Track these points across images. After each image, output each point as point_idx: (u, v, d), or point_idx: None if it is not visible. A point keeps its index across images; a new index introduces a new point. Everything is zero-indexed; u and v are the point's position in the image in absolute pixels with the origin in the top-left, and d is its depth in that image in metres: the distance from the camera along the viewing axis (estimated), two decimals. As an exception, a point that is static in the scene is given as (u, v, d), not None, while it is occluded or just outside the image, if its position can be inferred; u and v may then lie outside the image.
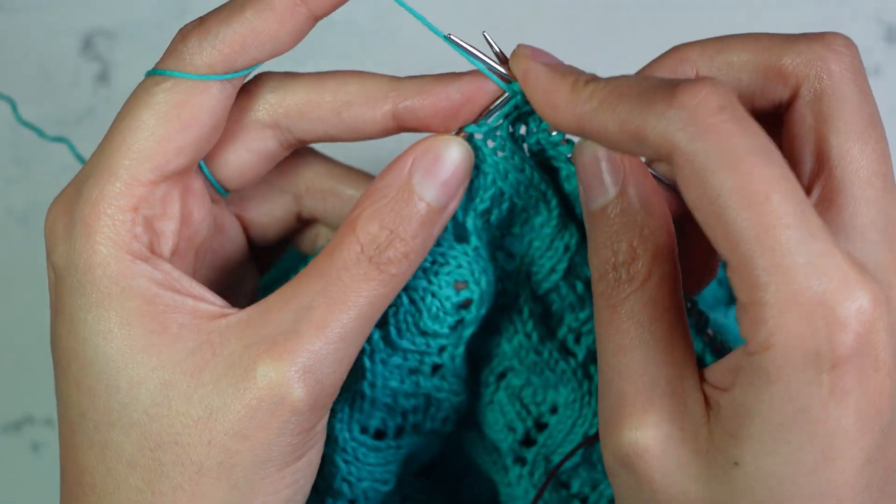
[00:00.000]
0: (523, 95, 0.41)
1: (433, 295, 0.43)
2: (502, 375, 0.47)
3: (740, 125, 0.32)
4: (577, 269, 0.46)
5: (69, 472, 0.40)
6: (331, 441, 0.46)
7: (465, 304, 0.43)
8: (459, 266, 0.43)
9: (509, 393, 0.47)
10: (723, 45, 0.39)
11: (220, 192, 0.44)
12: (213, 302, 0.39)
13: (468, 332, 0.44)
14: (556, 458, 0.48)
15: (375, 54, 0.66)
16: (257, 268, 0.49)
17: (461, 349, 0.44)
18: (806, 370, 0.32)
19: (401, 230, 0.39)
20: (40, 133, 0.65)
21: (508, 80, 0.41)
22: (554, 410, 0.48)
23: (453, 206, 0.40)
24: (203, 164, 0.42)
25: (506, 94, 0.41)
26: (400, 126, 0.42)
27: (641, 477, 0.36)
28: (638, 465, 0.36)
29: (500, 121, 0.42)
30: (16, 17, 0.70)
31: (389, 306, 0.43)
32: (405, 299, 0.43)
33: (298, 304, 0.38)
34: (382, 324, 0.44)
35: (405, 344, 0.44)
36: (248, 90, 0.42)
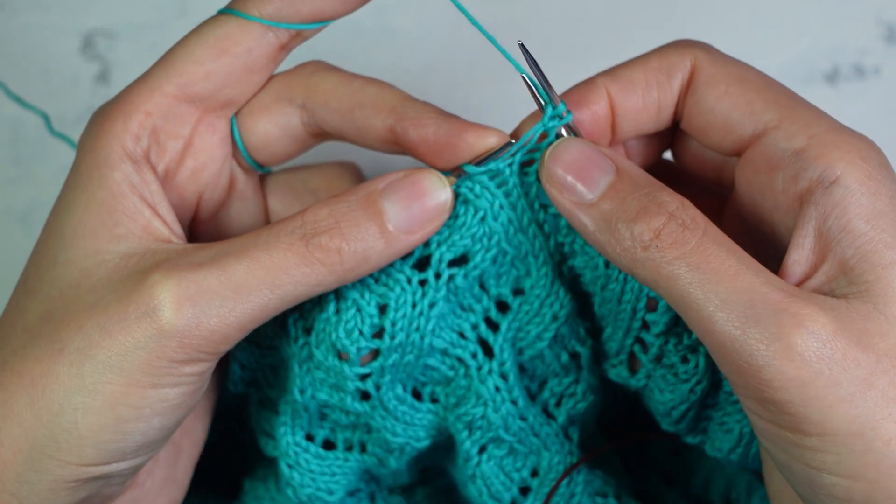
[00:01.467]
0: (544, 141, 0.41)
1: (358, 309, 0.42)
2: (483, 448, 0.46)
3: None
4: (563, 340, 0.46)
5: None
6: (279, 446, 0.46)
7: (380, 333, 0.42)
8: (391, 289, 0.42)
9: (492, 465, 0.46)
10: (618, 71, 0.42)
11: (244, 154, 0.46)
12: (168, 225, 0.41)
13: (388, 362, 0.42)
14: None
15: (376, 54, 0.66)
16: None
17: (386, 379, 0.43)
18: (879, 166, 0.37)
19: (344, 225, 0.39)
20: (71, 143, 0.65)
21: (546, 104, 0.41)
22: (535, 474, 0.47)
23: (409, 238, 0.40)
24: (233, 120, 0.45)
25: (505, 146, 0.41)
26: (396, 142, 0.43)
27: (845, 358, 0.35)
28: (838, 349, 0.35)
29: (509, 162, 0.41)
30: (16, 17, 0.70)
31: (316, 306, 0.43)
32: (332, 305, 0.42)
33: (221, 248, 0.39)
34: (308, 331, 0.43)
35: (320, 356, 0.43)
36: (291, 73, 0.45)
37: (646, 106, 0.42)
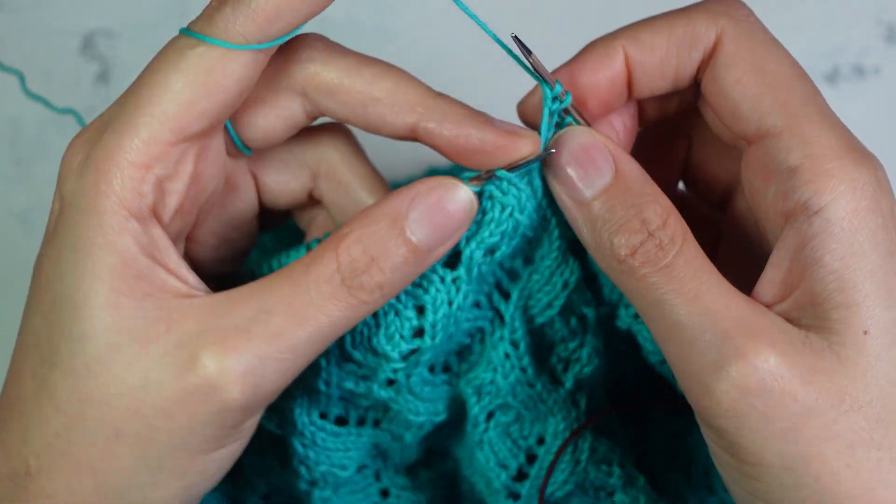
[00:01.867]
0: (557, 112, 0.41)
1: (396, 313, 0.42)
2: (491, 415, 0.46)
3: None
4: (573, 306, 0.46)
5: (6, 392, 0.40)
6: (288, 425, 0.46)
7: (420, 333, 0.42)
8: (426, 291, 0.42)
9: (499, 431, 0.47)
10: (639, 33, 0.41)
11: (242, 150, 0.44)
12: (184, 279, 0.39)
13: (425, 357, 0.43)
14: (549, 489, 0.47)
15: (375, 54, 0.66)
16: (259, 227, 0.48)
17: (418, 369, 0.44)
18: (871, 200, 0.36)
19: (381, 260, 0.38)
20: (79, 120, 0.65)
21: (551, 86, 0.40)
22: (541, 441, 0.48)
23: (442, 250, 0.40)
24: (228, 123, 0.42)
25: (538, 154, 0.40)
26: (415, 138, 0.41)
27: (783, 395, 0.35)
28: (776, 385, 0.35)
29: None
30: (16, 17, 0.70)
31: None
32: None
33: (261, 304, 0.38)
34: None
35: (357, 356, 0.43)
36: (288, 52, 0.41)
37: (664, 72, 0.41)
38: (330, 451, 0.47)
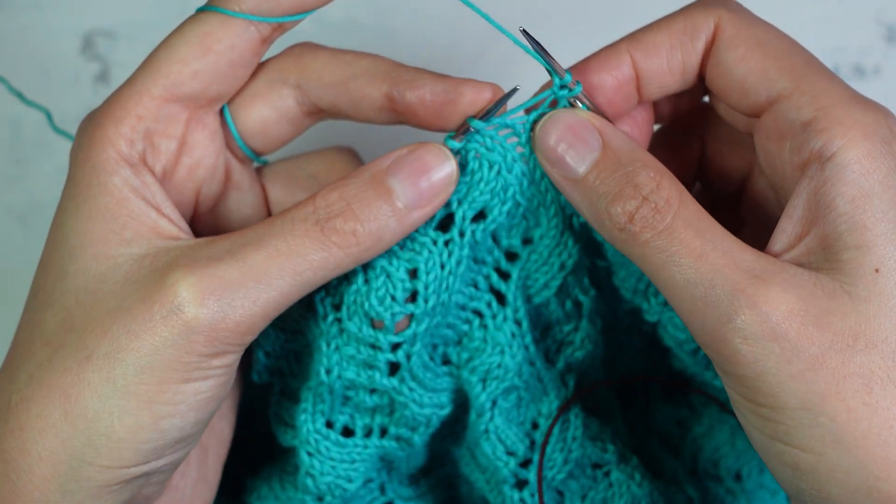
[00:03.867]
0: (561, 97, 0.42)
1: (388, 276, 0.42)
2: (495, 402, 0.47)
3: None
4: (569, 289, 0.47)
5: (11, 348, 0.42)
6: (298, 435, 0.47)
7: (413, 297, 0.43)
8: (418, 253, 0.42)
9: (504, 418, 0.47)
10: (641, 35, 0.43)
11: (246, 151, 0.46)
12: (175, 222, 0.41)
13: (422, 328, 0.43)
14: (550, 473, 0.48)
15: (375, 53, 0.66)
16: None
17: (417, 347, 0.44)
18: (881, 144, 0.37)
19: (356, 207, 0.40)
20: (69, 136, 0.65)
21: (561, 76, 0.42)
22: (535, 426, 0.48)
23: (420, 213, 0.41)
24: (227, 111, 0.46)
25: (507, 96, 0.42)
26: (392, 108, 0.43)
27: (798, 337, 0.36)
28: (791, 329, 0.36)
29: (520, 113, 0.42)
30: (16, 17, 0.70)
31: (343, 281, 0.43)
32: (360, 276, 0.43)
33: (237, 239, 0.39)
34: (337, 307, 0.44)
35: (353, 328, 0.43)
36: (282, 55, 0.46)
37: (670, 69, 0.43)
38: (335, 461, 0.47)
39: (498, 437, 0.46)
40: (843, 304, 0.37)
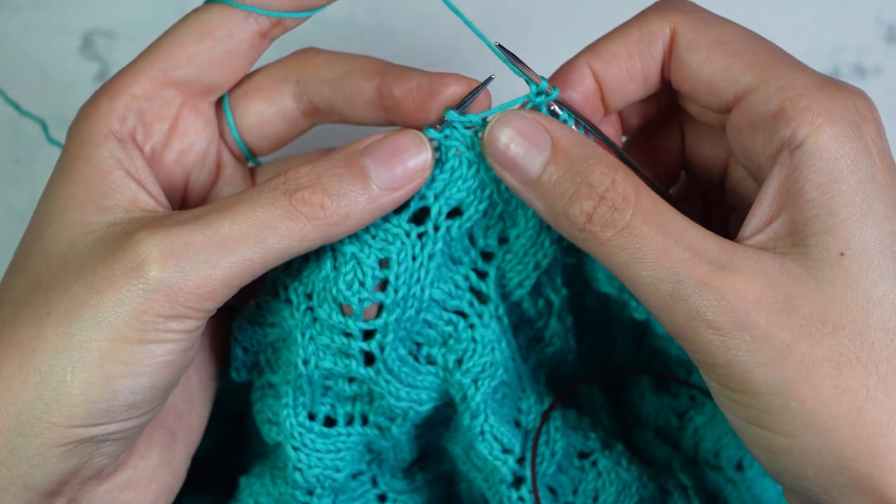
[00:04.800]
0: (543, 102, 0.42)
1: (357, 262, 0.42)
2: (485, 401, 0.46)
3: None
4: (541, 287, 0.47)
5: None
6: (282, 430, 0.47)
7: (384, 286, 0.43)
8: (390, 243, 0.42)
9: (497, 417, 0.47)
10: (598, 47, 0.43)
11: (244, 150, 0.47)
12: (154, 197, 0.42)
13: (392, 317, 0.43)
14: (542, 467, 0.48)
15: (375, 52, 0.66)
16: None
17: (390, 338, 0.44)
18: (849, 128, 0.37)
19: (327, 181, 0.40)
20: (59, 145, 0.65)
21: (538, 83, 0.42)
22: (518, 424, 0.48)
23: (391, 196, 0.40)
24: (226, 102, 0.47)
25: (482, 86, 0.42)
26: (382, 104, 0.44)
27: (767, 325, 0.36)
28: (760, 317, 0.36)
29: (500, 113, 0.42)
30: (16, 17, 0.70)
31: (316, 269, 0.43)
32: (329, 263, 0.43)
33: (205, 207, 0.40)
34: (309, 296, 0.44)
35: (323, 314, 0.43)
36: (284, 58, 0.47)
37: (631, 77, 0.43)
38: (321, 453, 0.47)
39: (493, 437, 0.46)
40: (809, 288, 0.37)
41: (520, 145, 0.40)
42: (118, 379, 0.38)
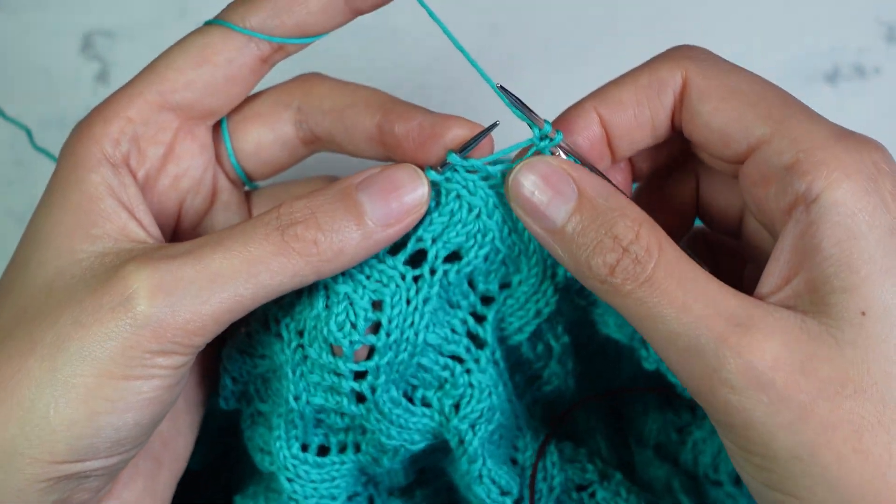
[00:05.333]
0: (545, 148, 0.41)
1: (350, 302, 0.41)
2: (482, 445, 0.46)
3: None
4: (542, 334, 0.47)
5: None
6: (276, 461, 0.46)
7: (377, 329, 0.42)
8: (385, 285, 0.42)
9: (493, 458, 0.46)
10: (606, 92, 0.42)
11: (232, 158, 0.46)
12: (145, 227, 0.41)
13: (384, 360, 0.42)
14: None
15: (377, 53, 0.66)
16: None
17: (381, 381, 0.43)
18: (866, 182, 0.36)
19: (320, 216, 0.39)
20: (53, 159, 0.65)
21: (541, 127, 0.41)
22: (514, 462, 0.48)
23: (386, 232, 0.40)
24: (224, 126, 0.46)
25: (486, 132, 0.41)
26: (382, 140, 0.43)
27: (785, 386, 0.35)
28: (778, 378, 0.35)
29: (502, 168, 0.41)
30: (16, 17, 0.70)
31: (308, 306, 0.43)
32: (321, 301, 0.42)
33: (196, 241, 0.39)
34: (301, 333, 0.43)
35: (313, 354, 0.42)
36: (286, 82, 0.46)
37: (639, 124, 0.42)
38: (315, 483, 0.46)
39: (491, 480, 0.46)
40: (829, 348, 0.36)
41: (545, 193, 0.40)
42: (102, 415, 0.38)
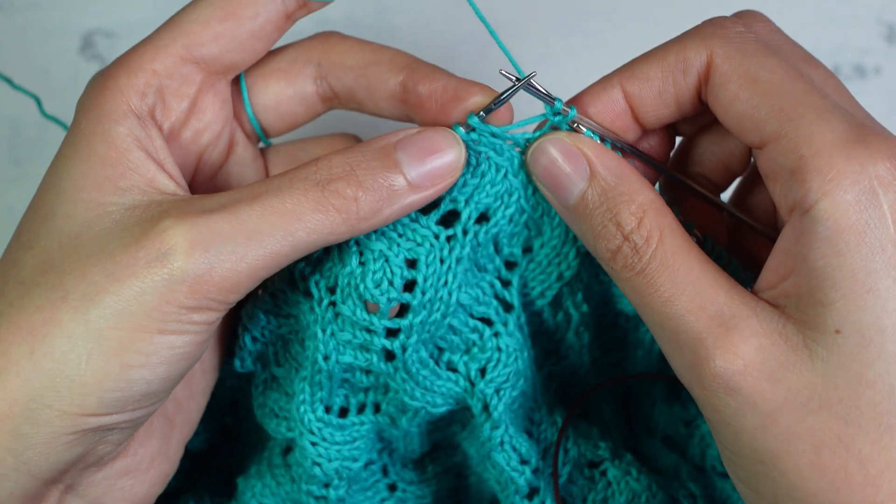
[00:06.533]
0: (560, 121, 0.42)
1: (386, 260, 0.42)
2: (505, 411, 0.46)
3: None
4: (562, 300, 0.47)
5: None
6: (296, 425, 0.46)
7: (410, 287, 0.42)
8: (419, 244, 0.42)
9: (515, 427, 0.47)
10: (633, 67, 0.42)
11: (249, 113, 0.46)
12: (174, 179, 0.41)
13: (417, 319, 0.43)
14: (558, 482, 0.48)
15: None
16: None
17: (413, 340, 0.43)
18: (863, 195, 0.36)
19: (361, 173, 0.39)
20: (64, 126, 0.65)
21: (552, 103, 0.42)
22: (530, 434, 0.48)
23: (422, 193, 0.40)
24: (243, 81, 0.46)
25: (513, 87, 0.42)
26: (404, 99, 0.43)
27: (752, 393, 0.36)
28: (745, 384, 0.36)
29: (525, 128, 0.42)
30: (16, 17, 0.70)
31: (339, 263, 0.43)
32: (355, 258, 0.42)
33: (232, 195, 0.39)
34: (332, 290, 0.43)
35: (347, 311, 0.43)
36: (307, 39, 0.46)
37: (664, 102, 0.42)
38: (339, 444, 0.47)
39: (512, 447, 0.46)
40: (802, 360, 0.36)
41: (562, 168, 0.41)
42: (135, 369, 0.37)
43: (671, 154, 0.47)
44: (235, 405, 0.53)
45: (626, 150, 0.43)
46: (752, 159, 0.46)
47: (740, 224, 0.46)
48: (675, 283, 0.38)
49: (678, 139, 0.48)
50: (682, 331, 0.38)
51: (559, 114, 0.42)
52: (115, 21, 0.70)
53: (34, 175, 0.68)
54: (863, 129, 0.37)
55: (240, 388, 0.51)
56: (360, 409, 0.47)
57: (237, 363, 0.48)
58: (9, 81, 0.66)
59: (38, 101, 0.65)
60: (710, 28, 0.41)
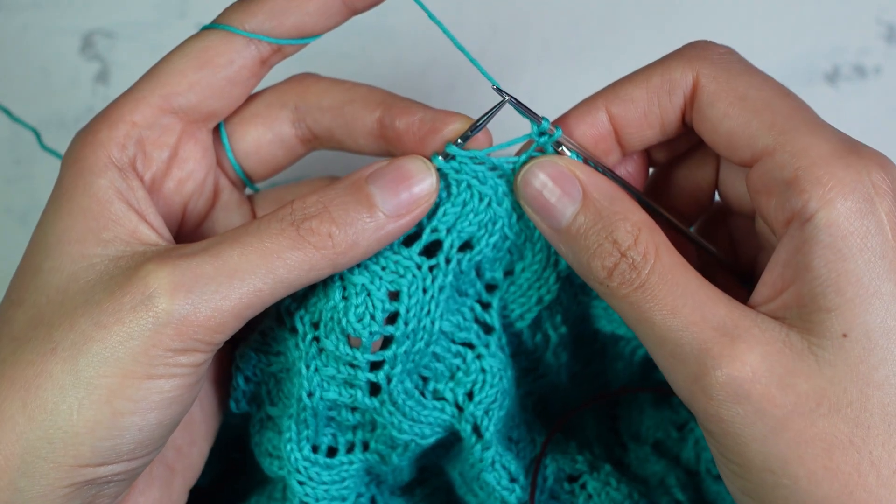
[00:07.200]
0: (546, 143, 0.42)
1: (368, 294, 0.42)
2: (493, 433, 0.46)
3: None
4: (541, 322, 0.47)
5: None
6: (285, 463, 0.46)
7: (393, 319, 0.42)
8: (401, 276, 0.42)
9: (502, 446, 0.47)
10: (617, 89, 0.43)
11: (242, 176, 0.47)
12: (156, 230, 0.41)
13: (401, 349, 0.43)
14: (538, 497, 0.48)
15: (376, 53, 0.66)
16: None
17: (397, 370, 0.43)
18: (862, 203, 0.36)
19: (334, 210, 0.40)
20: (57, 155, 0.65)
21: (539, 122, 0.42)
22: (518, 442, 0.48)
23: (398, 222, 0.40)
24: (223, 128, 0.46)
25: (490, 111, 0.42)
26: (382, 134, 0.44)
27: (761, 399, 0.36)
28: (754, 391, 0.36)
29: (502, 152, 0.42)
30: (16, 17, 0.70)
31: (324, 298, 0.43)
32: (338, 293, 0.42)
33: (212, 239, 0.39)
34: (316, 325, 0.43)
35: (330, 345, 0.43)
36: (282, 83, 0.47)
37: (649, 123, 0.43)
38: (327, 484, 0.46)
39: (502, 466, 0.46)
40: (809, 365, 0.36)
41: (552, 192, 0.41)
42: (126, 416, 0.38)
43: (645, 183, 0.48)
44: (241, 440, 0.53)
45: (607, 174, 0.43)
46: (717, 195, 0.47)
47: (709, 258, 0.47)
48: (675, 296, 0.38)
49: (651, 170, 0.48)
50: (686, 342, 0.37)
51: (545, 133, 0.42)
52: (115, 21, 0.70)
53: (34, 175, 0.68)
54: (852, 141, 0.38)
55: (244, 426, 0.51)
56: (350, 449, 0.47)
57: (232, 404, 0.48)
58: (8, 113, 0.66)
59: (38, 135, 0.65)
60: (693, 51, 0.42)
